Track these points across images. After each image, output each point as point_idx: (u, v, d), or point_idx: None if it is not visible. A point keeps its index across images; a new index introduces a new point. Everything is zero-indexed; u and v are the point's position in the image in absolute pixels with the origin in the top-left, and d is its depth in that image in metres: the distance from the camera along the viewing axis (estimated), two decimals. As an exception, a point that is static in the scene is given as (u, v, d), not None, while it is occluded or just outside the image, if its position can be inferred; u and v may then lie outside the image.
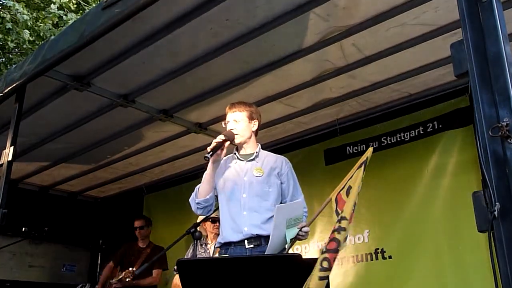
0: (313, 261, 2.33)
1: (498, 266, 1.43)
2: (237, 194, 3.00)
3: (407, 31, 3.34)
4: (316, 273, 2.24)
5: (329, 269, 2.31)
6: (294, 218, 2.78)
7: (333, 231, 2.42)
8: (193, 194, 3.03)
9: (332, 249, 2.37)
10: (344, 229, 2.42)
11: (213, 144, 2.90)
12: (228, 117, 3.12)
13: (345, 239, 2.44)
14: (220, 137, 2.94)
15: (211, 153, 2.85)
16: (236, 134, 3.04)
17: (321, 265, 2.27)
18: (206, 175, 2.98)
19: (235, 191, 3.01)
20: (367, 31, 3.32)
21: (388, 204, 4.25)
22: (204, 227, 4.63)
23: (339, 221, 2.45)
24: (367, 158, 2.81)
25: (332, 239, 2.39)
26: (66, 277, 6.75)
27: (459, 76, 1.65)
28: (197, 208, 3.00)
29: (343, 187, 2.89)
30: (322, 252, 2.35)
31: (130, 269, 4.94)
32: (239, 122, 3.07)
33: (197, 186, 3.04)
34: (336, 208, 2.78)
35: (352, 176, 2.83)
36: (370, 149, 2.93)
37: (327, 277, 2.30)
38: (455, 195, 3.88)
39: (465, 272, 3.73)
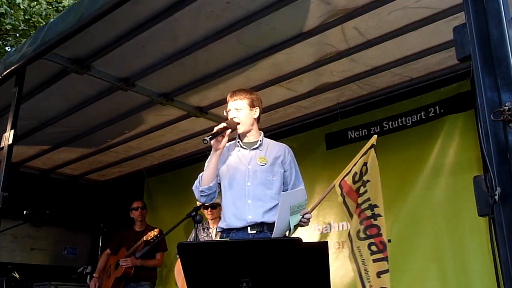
0: (313, 245, 2.37)
1: (497, 250, 1.44)
2: (241, 182, 3.00)
3: (409, 14, 3.31)
4: (368, 257, 2.41)
5: (379, 251, 2.52)
6: (297, 205, 2.83)
7: (368, 218, 2.60)
8: (196, 182, 3.01)
9: (375, 233, 2.58)
10: (380, 215, 2.60)
11: (214, 130, 2.89)
12: (229, 105, 3.09)
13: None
14: (222, 125, 2.92)
15: (210, 136, 2.83)
16: (238, 123, 3.02)
17: (370, 249, 2.45)
18: (210, 163, 2.96)
19: (239, 179, 3.01)
20: (369, 14, 3.29)
21: (388, 189, 4.22)
22: (203, 212, 4.66)
23: (369, 209, 2.61)
24: (373, 145, 2.85)
25: (370, 225, 2.59)
26: (68, 260, 6.80)
27: (461, 59, 1.64)
28: (201, 196, 2.99)
29: (348, 173, 2.93)
30: (363, 239, 2.53)
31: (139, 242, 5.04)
32: (240, 111, 3.05)
33: (200, 174, 3.03)
34: (342, 193, 2.84)
35: (356, 163, 2.87)
36: (375, 136, 2.95)
37: (382, 259, 2.50)
38: (455, 180, 3.89)
39: (464, 256, 3.75)
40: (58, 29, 3.30)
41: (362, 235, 2.63)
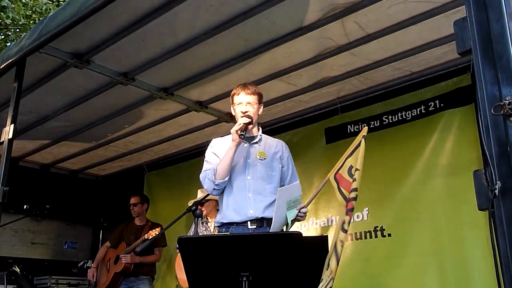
0: (313, 239, 2.38)
1: (497, 244, 1.44)
2: (241, 176, 3.01)
3: (409, 8, 3.30)
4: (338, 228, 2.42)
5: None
6: (293, 200, 2.85)
7: (352, 210, 2.60)
8: (209, 174, 2.98)
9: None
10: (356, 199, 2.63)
11: (240, 125, 2.89)
12: (241, 99, 3.07)
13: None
14: (245, 119, 2.93)
15: (244, 132, 2.87)
16: (251, 117, 3.02)
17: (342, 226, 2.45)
18: (227, 157, 2.94)
19: (239, 172, 3.01)
20: (369, 8, 3.28)
21: (388, 183, 4.26)
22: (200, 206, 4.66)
23: (355, 199, 2.62)
24: (363, 136, 2.84)
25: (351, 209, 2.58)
26: (68, 254, 6.82)
27: (462, 53, 1.63)
28: (214, 189, 2.99)
29: (341, 165, 2.93)
30: (346, 231, 2.53)
31: (139, 240, 5.06)
32: (253, 105, 3.07)
33: (212, 167, 3.00)
34: (339, 187, 2.83)
35: (351, 154, 2.86)
36: (365, 128, 2.95)
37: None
38: (455, 174, 3.89)
39: (463, 250, 3.75)
40: (56, 22, 3.30)
41: (346, 227, 2.60)
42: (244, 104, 3.05)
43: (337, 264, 2.43)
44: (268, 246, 2.34)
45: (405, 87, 4.37)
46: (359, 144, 2.89)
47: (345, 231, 2.57)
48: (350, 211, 2.63)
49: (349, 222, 2.61)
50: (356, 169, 2.75)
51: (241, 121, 2.92)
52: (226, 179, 2.96)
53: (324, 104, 4.84)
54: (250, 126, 3.01)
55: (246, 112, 3.01)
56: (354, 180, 2.72)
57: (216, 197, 3.32)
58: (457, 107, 4.02)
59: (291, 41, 3.68)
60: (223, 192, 3.05)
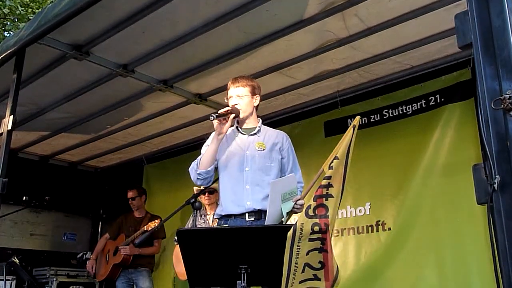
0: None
1: (496, 238, 1.44)
2: (239, 167, 3.01)
3: (410, 1, 3.29)
4: (306, 236, 2.34)
5: (320, 232, 2.41)
6: (288, 192, 2.83)
7: (321, 197, 2.50)
8: (194, 164, 3.03)
9: (322, 214, 2.47)
10: (332, 196, 2.51)
11: (220, 111, 2.92)
12: (230, 92, 3.10)
13: (336, 208, 2.53)
14: (227, 108, 2.96)
15: (216, 115, 2.87)
16: (239, 110, 3.04)
17: (312, 229, 2.37)
18: (210, 147, 2.98)
19: (237, 164, 3.02)
20: (370, 2, 3.27)
21: (389, 177, 4.26)
22: (199, 198, 4.66)
23: (326, 187, 2.53)
24: (354, 126, 2.79)
25: (321, 205, 2.48)
26: (67, 246, 6.84)
27: (462, 47, 1.63)
28: (197, 178, 3.01)
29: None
30: (310, 217, 2.44)
31: (137, 232, 5.08)
32: (242, 98, 3.07)
33: (199, 157, 3.04)
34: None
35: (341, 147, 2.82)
36: (358, 117, 2.92)
37: (319, 238, 2.39)
38: (455, 168, 3.89)
39: (462, 243, 3.76)
40: (55, 13, 3.28)
41: (311, 212, 2.52)
42: (234, 97, 3.08)
43: (291, 245, 2.36)
44: (266, 239, 2.35)
45: (406, 81, 4.37)
46: (351, 134, 2.82)
47: (310, 217, 2.49)
48: (318, 198, 2.55)
49: (314, 209, 2.52)
50: (335, 157, 2.68)
51: (223, 109, 2.95)
52: (209, 169, 2.98)
53: (324, 98, 4.83)
54: (231, 116, 2.99)
55: (235, 105, 3.04)
56: (331, 168, 2.65)
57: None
58: (458, 101, 4.01)
59: (291, 34, 3.66)
60: (220, 183, 3.06)
